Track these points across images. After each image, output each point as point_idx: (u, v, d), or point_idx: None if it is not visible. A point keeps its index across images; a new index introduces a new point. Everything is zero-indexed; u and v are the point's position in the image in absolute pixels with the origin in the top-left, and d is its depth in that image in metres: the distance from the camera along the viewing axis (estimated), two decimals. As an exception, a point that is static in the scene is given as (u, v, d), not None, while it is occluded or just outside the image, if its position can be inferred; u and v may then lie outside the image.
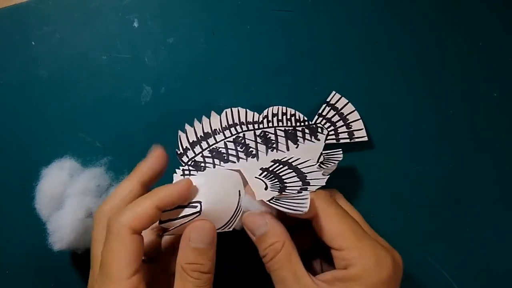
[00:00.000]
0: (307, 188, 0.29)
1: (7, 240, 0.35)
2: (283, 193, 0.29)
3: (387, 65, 0.39)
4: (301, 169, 0.31)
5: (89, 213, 0.32)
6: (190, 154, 0.32)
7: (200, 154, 0.32)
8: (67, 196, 0.33)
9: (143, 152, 0.36)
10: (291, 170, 0.31)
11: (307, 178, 0.31)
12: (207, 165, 0.32)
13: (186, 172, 0.31)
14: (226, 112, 0.34)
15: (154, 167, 0.29)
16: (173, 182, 0.30)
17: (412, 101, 0.39)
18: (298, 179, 0.31)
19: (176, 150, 0.32)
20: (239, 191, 0.31)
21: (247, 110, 0.34)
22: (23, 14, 0.38)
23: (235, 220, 0.30)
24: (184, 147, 0.32)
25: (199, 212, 0.28)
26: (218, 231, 0.29)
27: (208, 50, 0.39)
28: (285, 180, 0.31)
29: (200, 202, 0.29)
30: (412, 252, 0.35)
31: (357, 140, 0.36)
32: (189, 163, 0.32)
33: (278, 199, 0.29)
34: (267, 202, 0.29)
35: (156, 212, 0.27)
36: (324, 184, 0.30)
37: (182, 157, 0.32)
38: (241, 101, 0.37)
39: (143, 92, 0.38)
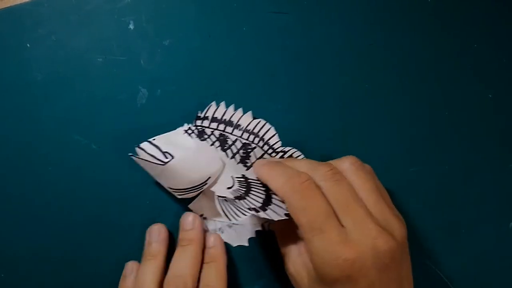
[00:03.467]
0: (262, 211, 0.29)
1: (3, 243, 0.35)
2: (237, 201, 0.30)
3: (382, 67, 0.39)
4: (273, 198, 0.30)
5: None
6: (205, 123, 0.35)
7: (211, 131, 0.35)
8: None
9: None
10: (264, 191, 0.31)
11: (270, 207, 0.30)
12: (207, 139, 0.34)
13: (189, 131, 0.34)
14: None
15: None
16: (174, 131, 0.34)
17: (407, 102, 0.39)
18: (261, 198, 0.30)
19: (199, 111, 0.35)
20: (211, 175, 0.32)
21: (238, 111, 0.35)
22: (18, 16, 0.38)
23: (195, 191, 0.32)
24: (206, 116, 0.35)
25: (164, 163, 0.31)
26: (177, 194, 0.32)
27: (204, 52, 0.39)
28: (251, 191, 0.31)
29: (172, 157, 0.31)
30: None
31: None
32: (198, 127, 0.34)
33: (225, 202, 0.31)
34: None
35: None
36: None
37: (197, 120, 0.35)
38: (237, 103, 0.37)
39: (138, 94, 0.37)
